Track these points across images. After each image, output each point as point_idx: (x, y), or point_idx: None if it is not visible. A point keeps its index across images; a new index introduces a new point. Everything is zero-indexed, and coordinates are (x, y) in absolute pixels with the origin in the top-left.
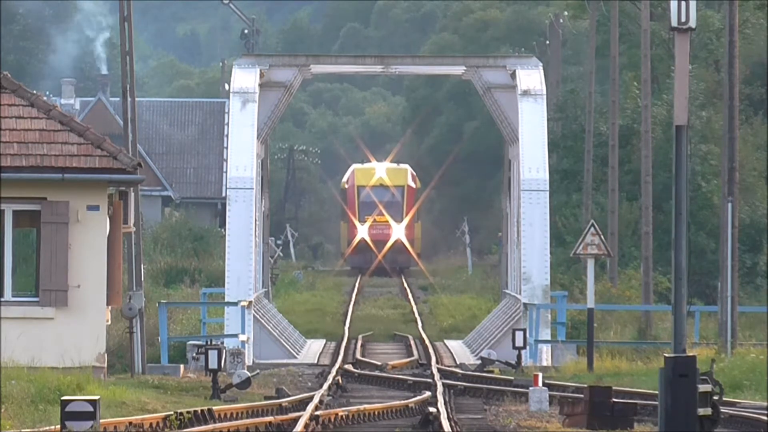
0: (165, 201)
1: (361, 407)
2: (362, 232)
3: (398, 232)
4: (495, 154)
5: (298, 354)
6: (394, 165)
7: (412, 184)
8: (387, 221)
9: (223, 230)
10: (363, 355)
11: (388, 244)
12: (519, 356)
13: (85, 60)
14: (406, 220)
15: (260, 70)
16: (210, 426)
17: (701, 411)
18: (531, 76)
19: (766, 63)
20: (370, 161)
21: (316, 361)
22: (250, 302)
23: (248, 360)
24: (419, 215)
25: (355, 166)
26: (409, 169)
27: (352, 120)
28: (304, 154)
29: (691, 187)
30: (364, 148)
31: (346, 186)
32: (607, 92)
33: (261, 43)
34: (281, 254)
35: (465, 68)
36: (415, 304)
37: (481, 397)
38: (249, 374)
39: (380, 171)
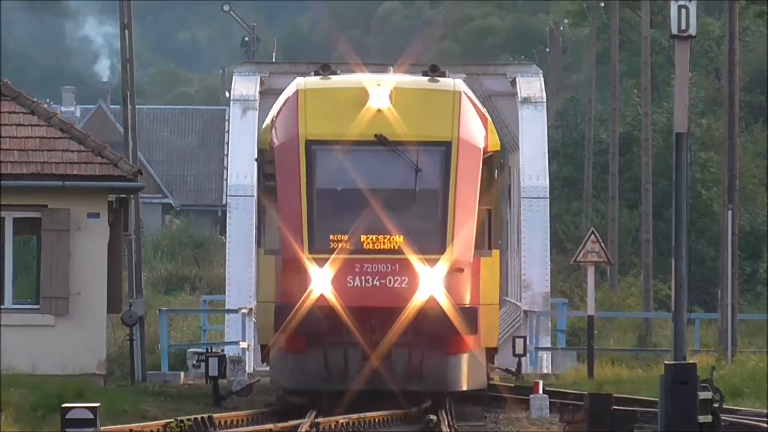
0: (165, 208)
1: (362, 414)
2: (318, 282)
3: (430, 279)
4: None
5: None
6: (421, 79)
7: (476, 139)
8: (396, 250)
9: (223, 237)
10: None
11: (402, 317)
12: (519, 364)
13: (86, 67)
14: (456, 247)
15: (261, 78)
16: None
17: (701, 418)
18: (531, 84)
19: (766, 70)
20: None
21: None
22: (251, 309)
23: (249, 367)
24: (494, 231)
25: (302, 81)
26: (465, 92)
27: None
28: None
29: (691, 194)
30: None
31: (275, 143)
32: (607, 100)
33: (261, 51)
34: None
35: (465, 76)
36: None
37: (481, 405)
38: (250, 381)
39: (380, 96)
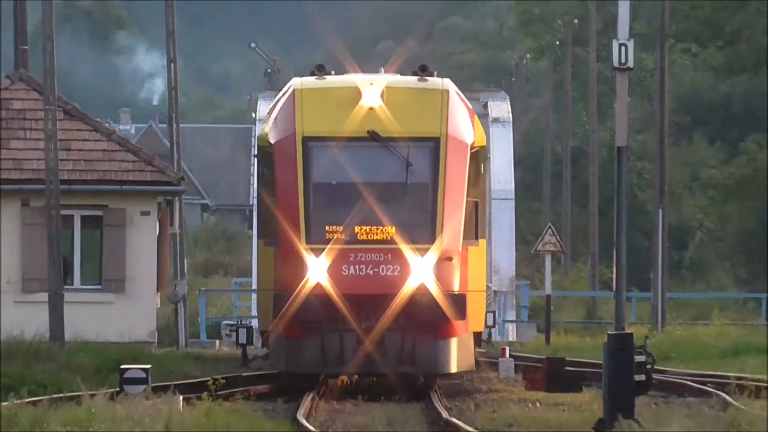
0: (203, 208)
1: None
2: (315, 271)
3: (421, 268)
4: None
5: None
6: (411, 79)
7: (463, 135)
8: (389, 240)
9: (250, 232)
10: None
11: (395, 304)
12: (489, 333)
13: (139, 93)
14: (445, 237)
15: None
16: (239, 389)
17: (637, 377)
18: (500, 107)
19: (689, 97)
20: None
21: None
22: None
23: None
24: (480, 222)
25: (298, 81)
26: (452, 90)
27: None
28: None
29: (629, 196)
30: None
31: (273, 139)
32: (562, 120)
33: (282, 80)
34: None
35: None
36: None
37: None
38: None
39: (372, 95)
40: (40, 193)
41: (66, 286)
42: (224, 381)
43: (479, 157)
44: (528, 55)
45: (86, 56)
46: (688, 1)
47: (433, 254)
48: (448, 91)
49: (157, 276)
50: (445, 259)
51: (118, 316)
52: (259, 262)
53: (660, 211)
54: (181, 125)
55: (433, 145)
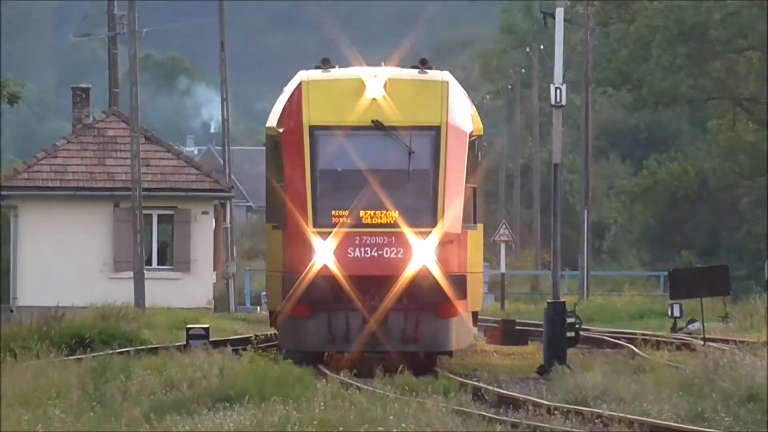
0: (248, 209)
1: None
2: (322, 253)
3: (423, 250)
4: None
5: None
6: (412, 71)
7: (462, 124)
8: (392, 224)
9: None
10: None
11: (398, 285)
12: None
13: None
14: (446, 221)
15: None
16: (274, 342)
17: (569, 334)
18: None
19: (607, 126)
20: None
21: None
22: None
23: None
24: (479, 207)
25: (305, 74)
26: (452, 82)
27: None
28: None
29: (563, 201)
30: None
31: (282, 128)
32: (512, 143)
33: None
34: None
35: None
36: None
37: None
38: None
39: (375, 86)
40: (127, 197)
41: (146, 267)
42: (263, 337)
43: (477, 145)
44: (488, 96)
45: (160, 95)
46: (606, 56)
47: (434, 237)
48: (448, 83)
49: (213, 259)
50: (446, 242)
51: (185, 288)
52: (267, 246)
53: (585, 211)
54: (231, 147)
55: (434, 134)
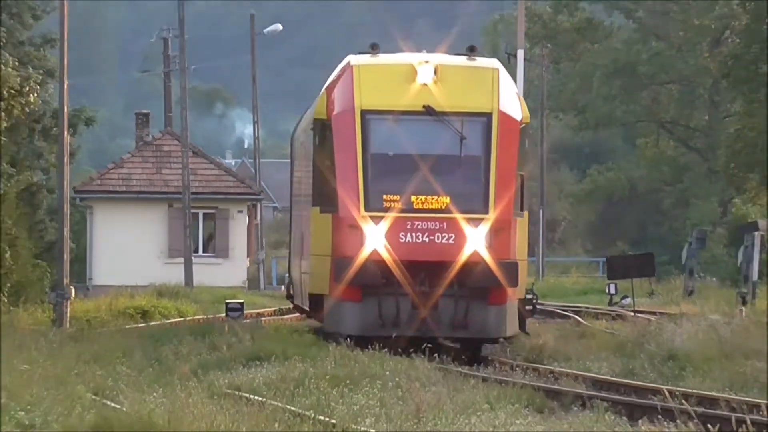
0: (274, 209)
1: None
2: (373, 237)
3: (475, 236)
4: None
5: None
6: (461, 58)
7: (512, 111)
8: (444, 210)
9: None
10: None
11: (450, 271)
12: None
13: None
14: (497, 208)
15: None
16: (294, 315)
17: (527, 307)
18: None
19: (558, 143)
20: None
21: None
22: None
23: None
24: (524, 197)
25: (354, 58)
26: (501, 70)
27: None
28: None
29: None
30: None
31: (332, 112)
32: None
33: None
34: None
35: None
36: None
37: None
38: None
39: (426, 72)
40: (179, 200)
41: (194, 254)
42: (286, 308)
43: (525, 133)
44: None
45: (204, 118)
46: (557, 88)
47: (486, 224)
48: (498, 70)
49: (247, 248)
50: (497, 229)
51: (224, 271)
52: (313, 229)
53: (541, 210)
54: (261, 160)
55: (486, 120)
